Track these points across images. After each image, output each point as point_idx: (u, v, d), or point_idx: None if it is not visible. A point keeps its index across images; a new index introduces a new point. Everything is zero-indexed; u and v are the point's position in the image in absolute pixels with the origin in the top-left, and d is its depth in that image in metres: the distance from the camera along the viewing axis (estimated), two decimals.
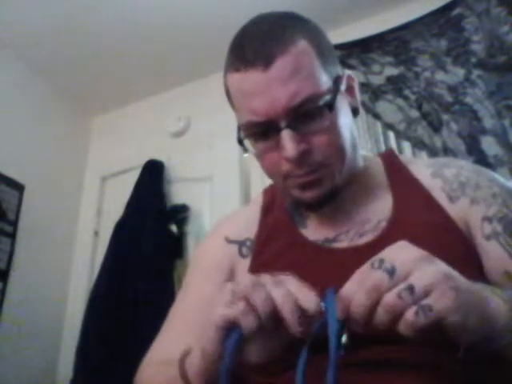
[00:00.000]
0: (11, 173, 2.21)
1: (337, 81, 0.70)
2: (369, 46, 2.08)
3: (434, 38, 1.99)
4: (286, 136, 0.64)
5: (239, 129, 0.73)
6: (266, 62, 0.64)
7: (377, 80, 2.04)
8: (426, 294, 0.44)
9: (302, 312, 0.47)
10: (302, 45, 0.66)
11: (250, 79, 0.66)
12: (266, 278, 0.50)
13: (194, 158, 2.40)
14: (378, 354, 0.58)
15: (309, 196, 0.70)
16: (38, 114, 2.51)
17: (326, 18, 1.96)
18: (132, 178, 2.36)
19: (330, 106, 0.66)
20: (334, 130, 0.67)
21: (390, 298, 0.44)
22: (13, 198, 2.20)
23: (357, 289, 0.46)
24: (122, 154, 2.62)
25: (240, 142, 0.71)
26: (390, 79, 2.04)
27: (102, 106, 2.79)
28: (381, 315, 0.45)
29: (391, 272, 0.45)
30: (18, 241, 2.17)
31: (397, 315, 0.44)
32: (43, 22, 2.21)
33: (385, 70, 2.06)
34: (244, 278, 0.52)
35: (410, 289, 0.44)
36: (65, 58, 2.43)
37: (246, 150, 0.73)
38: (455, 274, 0.47)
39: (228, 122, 2.28)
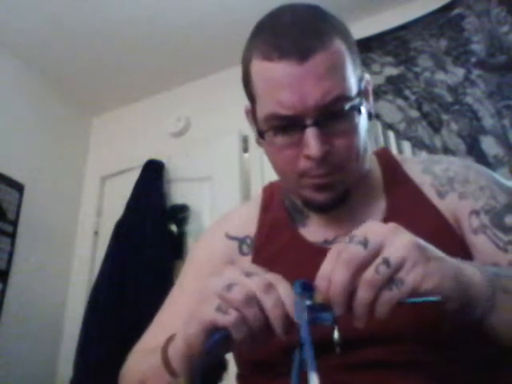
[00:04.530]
0: (11, 173, 2.21)
1: (361, 83, 0.70)
2: (368, 45, 2.08)
3: (434, 38, 1.99)
4: (312, 134, 0.63)
5: (248, 114, 0.73)
6: (303, 55, 0.62)
7: (377, 80, 2.04)
8: (400, 266, 0.45)
9: (290, 320, 0.48)
10: (338, 44, 0.65)
11: (282, 70, 0.63)
12: (255, 280, 0.49)
13: (193, 158, 2.40)
14: (374, 354, 0.58)
15: (322, 198, 0.69)
16: (38, 113, 2.51)
17: None
18: (132, 177, 2.36)
19: (359, 109, 0.66)
20: (355, 133, 0.67)
21: (368, 274, 0.45)
22: (13, 198, 2.20)
23: (333, 265, 0.46)
24: (122, 154, 2.62)
25: (260, 133, 0.69)
26: (389, 79, 2.04)
27: (102, 105, 2.79)
28: (362, 294, 0.45)
29: (364, 244, 0.45)
30: (17, 241, 2.17)
31: (377, 292, 0.44)
32: (44, 23, 2.21)
33: (384, 69, 2.06)
34: (230, 271, 0.51)
35: (386, 262, 0.44)
36: (65, 59, 2.43)
37: (260, 143, 0.73)
38: (425, 243, 0.48)
39: (228, 122, 2.29)
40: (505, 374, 0.60)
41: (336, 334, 0.46)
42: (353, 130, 0.66)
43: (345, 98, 0.64)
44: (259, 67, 0.67)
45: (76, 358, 1.99)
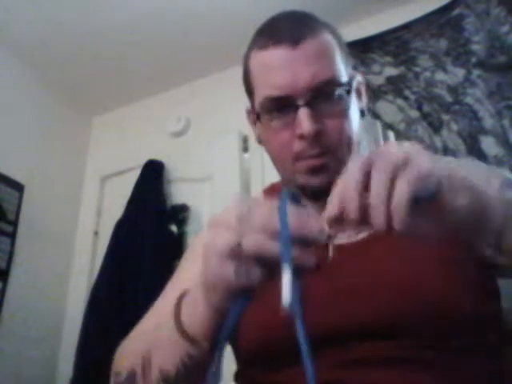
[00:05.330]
0: (11, 173, 2.21)
1: (352, 80, 0.75)
2: (369, 45, 2.08)
3: (434, 38, 1.99)
4: (304, 113, 0.67)
5: (249, 115, 0.78)
6: (295, 40, 0.69)
7: (377, 80, 2.04)
8: (405, 164, 0.43)
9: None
10: (328, 36, 0.73)
11: (276, 55, 0.70)
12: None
13: (193, 158, 2.40)
14: (369, 351, 0.58)
15: (317, 181, 0.71)
16: (38, 113, 2.50)
17: (326, 17, 1.95)
18: (132, 178, 2.36)
19: (348, 91, 0.71)
20: (346, 117, 0.71)
21: (382, 162, 0.43)
22: (13, 198, 2.20)
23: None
24: (122, 154, 2.62)
25: (258, 117, 0.74)
26: (389, 79, 2.04)
27: (102, 105, 2.79)
28: (377, 178, 0.43)
29: (376, 154, 0.46)
30: (17, 241, 2.17)
31: (392, 175, 0.43)
32: (44, 23, 2.21)
33: (385, 70, 2.06)
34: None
35: (392, 160, 0.43)
36: (65, 59, 2.43)
37: (260, 142, 0.76)
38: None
39: (228, 122, 2.29)
40: (508, 370, 0.60)
41: (331, 250, 0.43)
42: (343, 113, 0.71)
43: (334, 82, 0.69)
44: (256, 58, 0.73)
45: (76, 357, 1.99)
